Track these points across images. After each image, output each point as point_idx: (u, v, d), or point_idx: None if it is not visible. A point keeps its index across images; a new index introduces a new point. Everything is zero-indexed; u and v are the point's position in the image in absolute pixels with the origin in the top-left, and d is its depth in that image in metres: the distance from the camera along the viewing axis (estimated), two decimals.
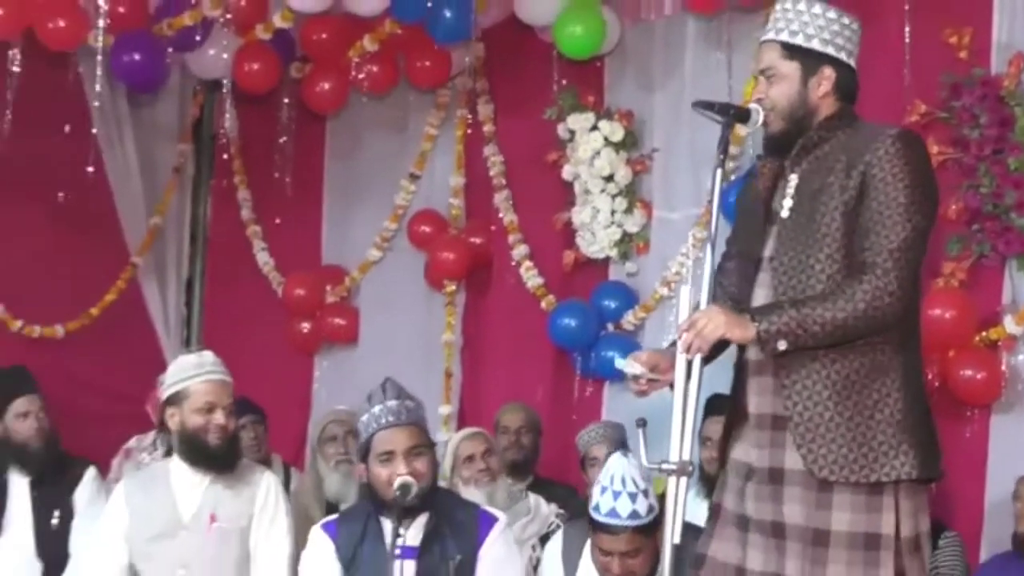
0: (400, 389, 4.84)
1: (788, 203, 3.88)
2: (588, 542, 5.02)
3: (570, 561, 5.09)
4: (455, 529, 4.77)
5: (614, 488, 4.79)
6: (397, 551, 4.47)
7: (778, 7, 3.97)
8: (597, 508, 4.82)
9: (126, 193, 8.29)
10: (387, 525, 4.69)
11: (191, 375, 5.13)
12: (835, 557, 3.76)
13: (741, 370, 3.91)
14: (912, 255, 3.79)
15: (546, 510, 5.79)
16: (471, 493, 5.67)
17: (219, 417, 5.04)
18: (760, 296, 3.87)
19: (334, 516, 5.17)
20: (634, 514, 4.73)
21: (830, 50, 3.91)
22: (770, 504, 3.83)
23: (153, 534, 5.04)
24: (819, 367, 3.78)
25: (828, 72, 3.91)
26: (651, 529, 4.71)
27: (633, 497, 4.75)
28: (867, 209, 3.78)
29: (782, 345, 3.73)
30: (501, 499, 5.67)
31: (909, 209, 3.76)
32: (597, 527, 4.83)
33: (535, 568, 5.33)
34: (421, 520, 4.72)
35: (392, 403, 4.77)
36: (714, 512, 3.92)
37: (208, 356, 5.33)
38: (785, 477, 3.81)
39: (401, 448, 4.68)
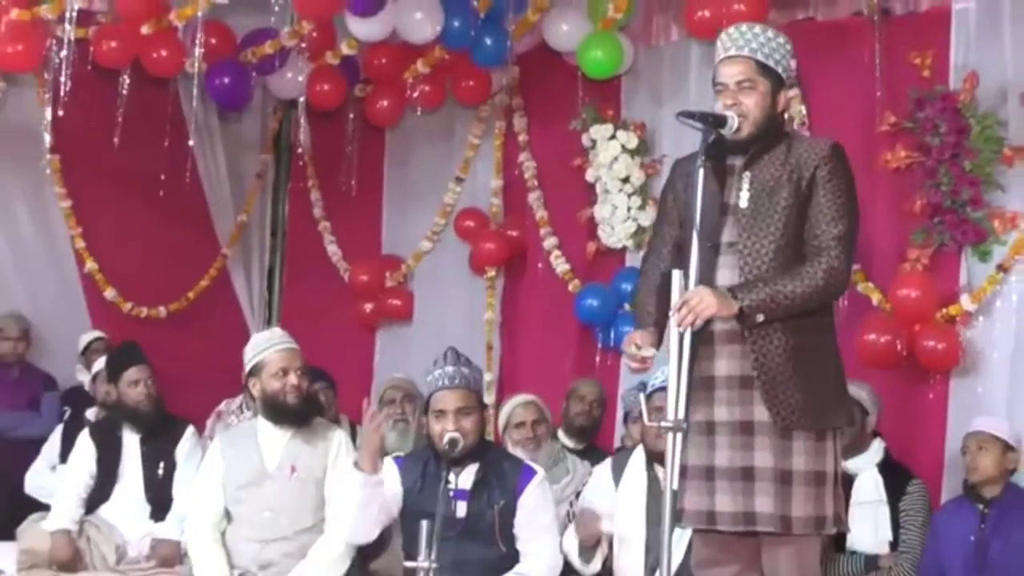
0: (459, 357, 4.89)
1: (745, 196, 3.92)
2: (631, 462, 5.13)
3: (617, 475, 5.16)
4: (500, 479, 4.81)
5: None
6: (451, 492, 4.56)
7: (745, 28, 3.99)
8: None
9: (217, 195, 8.37)
10: (443, 471, 4.69)
11: (264, 348, 5.18)
12: (796, 493, 3.84)
13: (705, 342, 3.88)
14: (852, 241, 3.93)
15: (582, 470, 5.76)
16: (515, 454, 5.63)
17: (292, 379, 5.08)
18: (724, 276, 3.89)
19: (401, 453, 5.24)
20: None
21: (784, 75, 4.00)
22: (740, 452, 3.87)
23: (243, 482, 5.10)
24: (779, 335, 3.85)
25: (787, 93, 4.06)
26: None
27: None
28: (815, 204, 3.90)
29: (759, 318, 3.81)
30: (543, 463, 5.58)
31: (847, 206, 3.91)
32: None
33: (571, 519, 5.32)
34: (472, 468, 4.76)
35: (449, 368, 4.83)
36: (681, 473, 3.85)
37: (277, 330, 5.43)
38: (755, 428, 3.87)
39: (451, 407, 4.74)
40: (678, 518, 3.93)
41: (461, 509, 4.68)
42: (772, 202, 3.89)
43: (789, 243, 3.89)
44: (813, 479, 3.86)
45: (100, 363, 6.85)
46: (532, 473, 4.92)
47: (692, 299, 3.72)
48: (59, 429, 6.82)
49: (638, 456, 5.16)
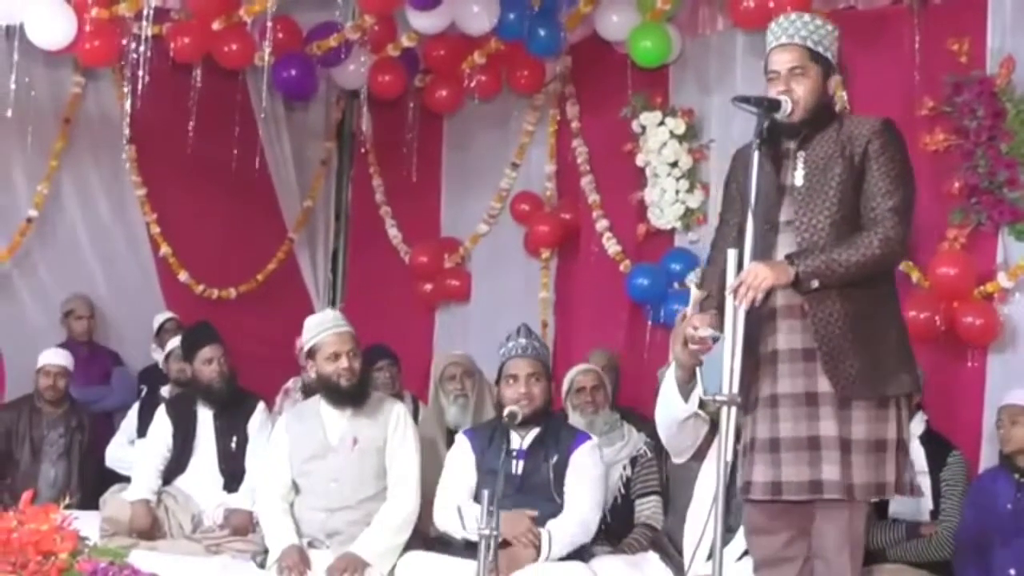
0: (531, 332, 5.19)
1: (800, 174, 3.95)
2: None
3: None
4: (557, 441, 5.03)
5: None
6: (514, 453, 4.84)
7: (794, 17, 4.03)
8: None
9: (284, 182, 8.46)
10: (510, 434, 4.99)
11: (318, 332, 5.26)
12: (856, 461, 3.86)
13: (767, 318, 3.92)
14: (909, 212, 3.93)
15: (636, 437, 5.78)
16: (575, 418, 5.77)
17: (344, 361, 5.15)
18: (782, 254, 3.91)
19: (471, 427, 5.50)
20: None
21: (834, 61, 4.03)
22: (806, 423, 3.90)
23: (308, 455, 5.21)
24: (837, 306, 3.87)
25: (836, 77, 4.07)
26: None
27: None
28: (870, 178, 3.91)
29: (814, 284, 3.83)
30: (600, 427, 5.73)
31: (901, 177, 3.92)
32: None
33: (625, 484, 5.40)
34: (534, 431, 4.99)
35: (523, 340, 5.10)
36: (750, 446, 3.94)
37: (330, 313, 5.50)
38: (819, 399, 3.90)
39: (523, 373, 4.99)
40: (746, 491, 3.99)
41: (519, 467, 4.92)
42: (826, 178, 3.92)
43: (844, 217, 3.91)
44: (874, 447, 3.89)
45: (173, 342, 6.97)
46: (586, 437, 5.15)
47: (748, 276, 3.76)
48: (136, 405, 6.95)
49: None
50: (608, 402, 6.03)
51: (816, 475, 3.88)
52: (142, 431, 6.61)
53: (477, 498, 4.85)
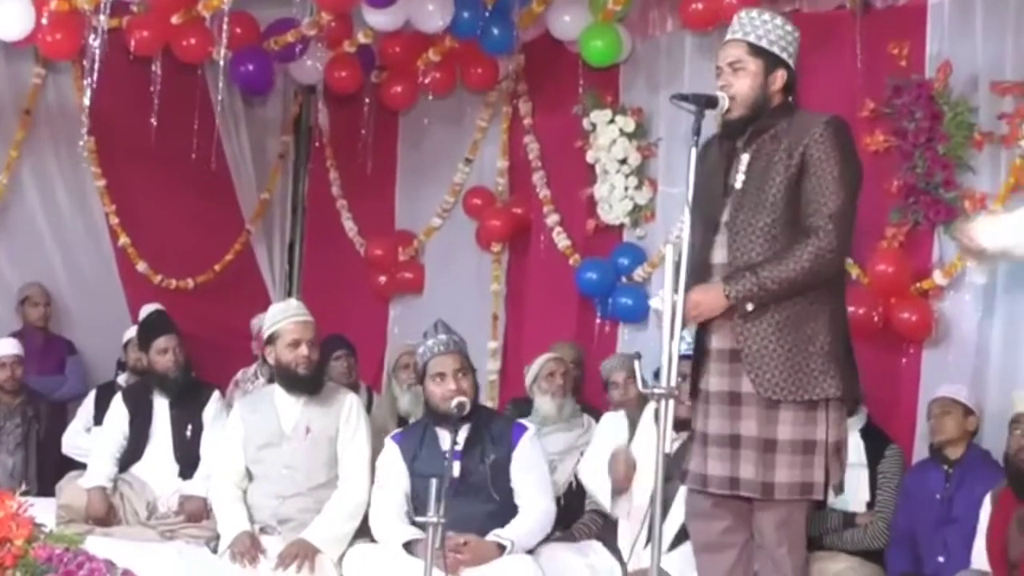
0: (447, 327, 5.07)
1: (741, 177, 3.94)
2: (644, 414, 5.15)
3: (632, 427, 5.20)
4: (493, 436, 4.95)
5: None
6: (448, 453, 4.67)
7: (743, 13, 4.04)
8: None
9: (241, 175, 8.40)
10: (440, 434, 4.88)
11: (280, 319, 5.27)
12: (781, 461, 3.88)
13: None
14: (847, 218, 3.88)
15: (595, 427, 5.76)
16: (545, 401, 5.79)
17: (304, 350, 5.16)
18: (718, 255, 3.94)
19: (400, 429, 5.38)
20: None
21: (784, 55, 4.00)
22: (728, 421, 3.92)
23: (262, 443, 5.22)
24: (766, 312, 3.86)
25: (782, 72, 4.00)
26: None
27: None
28: (808, 182, 3.86)
29: (749, 306, 3.84)
30: (566, 412, 5.77)
31: (840, 181, 3.85)
32: None
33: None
34: (465, 429, 4.88)
35: (442, 336, 5.01)
36: (691, 437, 4.01)
37: (293, 302, 5.51)
38: (742, 399, 3.91)
39: (450, 369, 4.90)
40: (682, 478, 4.05)
41: (456, 468, 4.76)
42: (765, 181, 3.89)
43: (778, 220, 3.88)
44: (800, 447, 3.88)
45: (131, 331, 6.95)
46: (524, 429, 5.06)
47: (689, 310, 3.79)
48: (92, 393, 6.90)
49: (649, 416, 5.19)
50: (572, 388, 6.06)
51: (735, 472, 3.92)
52: (99, 419, 6.59)
53: (414, 503, 4.84)
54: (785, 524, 4.00)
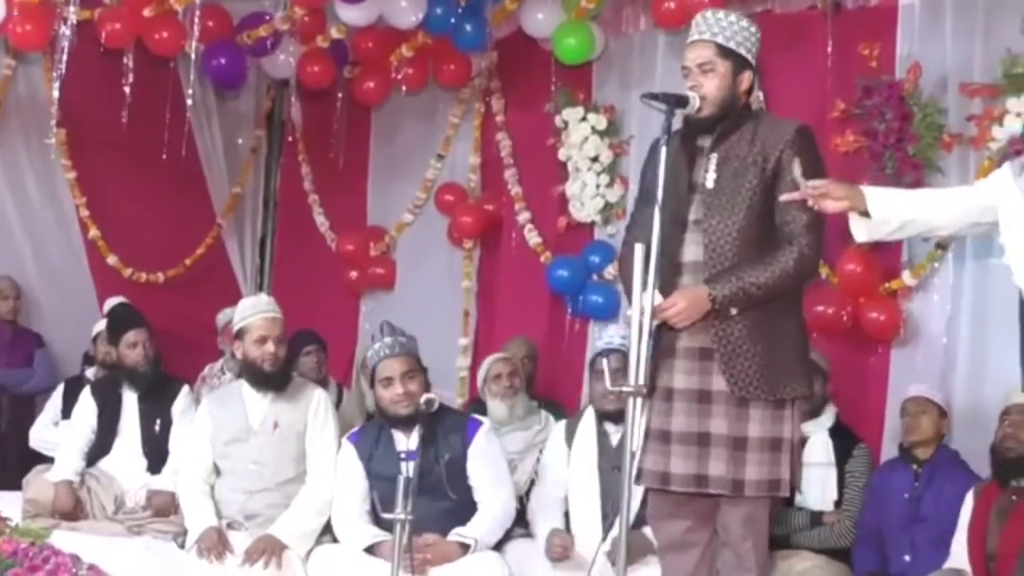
0: (394, 328, 5.01)
1: (712, 176, 3.94)
2: (582, 423, 5.17)
3: (570, 436, 5.20)
4: (447, 434, 4.90)
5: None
6: (403, 454, 4.66)
7: (708, 14, 4.04)
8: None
9: (213, 168, 8.34)
10: (394, 434, 4.86)
11: (249, 314, 5.24)
12: (751, 458, 3.90)
13: None
14: (821, 225, 3.94)
15: (552, 423, 5.75)
16: (496, 404, 5.75)
17: (270, 346, 5.13)
18: (690, 252, 3.95)
19: (356, 429, 5.31)
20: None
21: (749, 56, 4.01)
22: (697, 419, 3.92)
23: (229, 438, 5.18)
24: (739, 313, 3.88)
25: (748, 74, 4.03)
26: None
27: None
28: (783, 188, 3.88)
29: (733, 310, 3.85)
30: (519, 411, 5.73)
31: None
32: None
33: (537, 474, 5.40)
34: (417, 429, 4.84)
35: (388, 339, 4.94)
36: (646, 434, 3.94)
37: (263, 297, 5.47)
38: (712, 397, 3.92)
39: (397, 373, 4.85)
40: (637, 477, 3.97)
41: (409, 469, 4.69)
42: (737, 184, 3.90)
43: (752, 223, 3.90)
44: (768, 445, 3.91)
45: (100, 325, 6.90)
46: (478, 425, 5.04)
47: (671, 315, 3.81)
48: (61, 387, 6.85)
49: (589, 415, 5.22)
50: (524, 386, 6.02)
51: (703, 469, 3.92)
52: (67, 413, 6.55)
53: (373, 504, 4.84)
54: (751, 520, 4.02)
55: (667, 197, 3.80)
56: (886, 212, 3.72)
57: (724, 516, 4.04)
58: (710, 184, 3.95)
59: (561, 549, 4.86)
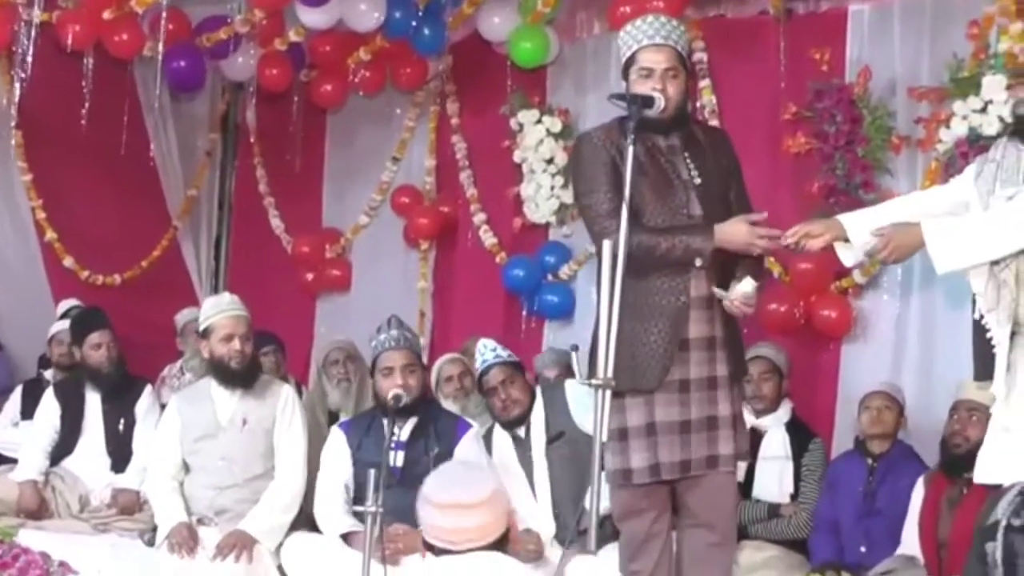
0: (401, 323, 5.04)
1: (696, 174, 4.06)
2: (494, 438, 5.27)
3: (488, 447, 5.21)
4: (438, 430, 4.92)
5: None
6: (392, 444, 4.66)
7: (664, 20, 4.11)
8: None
9: (168, 171, 8.28)
10: (386, 425, 4.83)
11: (213, 313, 5.22)
12: (740, 434, 4.14)
13: (682, 308, 4.01)
14: None
15: None
16: (449, 405, 5.74)
17: (236, 344, 5.11)
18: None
19: (347, 418, 5.37)
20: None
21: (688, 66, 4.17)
22: (707, 405, 4.05)
23: (199, 435, 5.16)
24: (718, 300, 4.03)
25: (694, 81, 4.26)
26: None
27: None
28: (737, 188, 4.17)
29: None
30: (472, 410, 5.73)
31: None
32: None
33: None
34: (411, 422, 4.87)
35: (394, 332, 4.95)
36: (647, 430, 4.02)
37: (226, 296, 5.41)
38: (717, 383, 4.06)
39: (398, 365, 4.86)
40: (656, 472, 4.04)
41: (399, 459, 4.77)
42: (717, 182, 4.09)
43: (727, 215, 4.06)
44: (742, 419, 4.20)
45: (56, 327, 6.86)
46: (468, 427, 5.06)
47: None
48: (19, 389, 6.79)
49: (497, 432, 5.28)
50: (474, 386, 5.93)
51: (714, 450, 4.05)
52: (26, 414, 6.50)
53: (356, 491, 4.85)
54: (735, 496, 4.30)
55: (659, 192, 3.97)
56: (865, 236, 3.82)
57: (713, 497, 4.12)
58: (698, 180, 4.07)
59: (535, 550, 4.87)
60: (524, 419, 5.20)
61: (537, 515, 5.08)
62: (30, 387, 6.76)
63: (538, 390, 5.32)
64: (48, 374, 6.89)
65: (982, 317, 3.75)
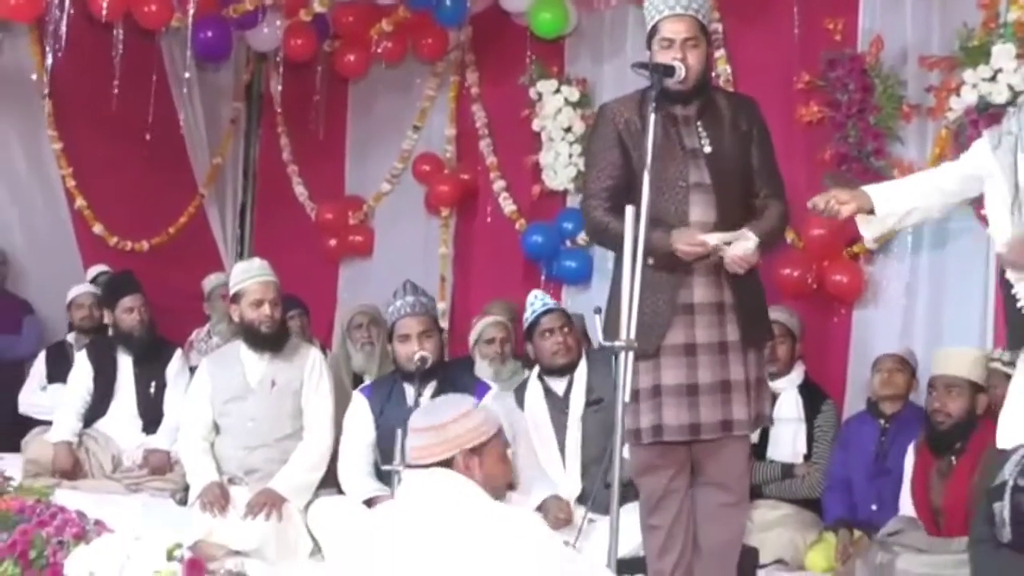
0: (416, 287, 5.05)
1: (707, 142, 4.06)
2: (529, 386, 5.30)
3: (520, 403, 5.27)
4: (457, 392, 4.96)
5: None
6: (415, 407, 4.66)
7: None
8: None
9: (195, 139, 8.35)
10: (407, 388, 4.87)
11: (244, 278, 5.25)
12: (762, 396, 4.16)
13: (686, 272, 4.02)
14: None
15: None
16: (484, 366, 5.80)
17: (266, 309, 5.16)
18: (696, 213, 4.02)
19: (369, 383, 5.37)
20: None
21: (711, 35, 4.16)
22: (719, 368, 4.05)
23: (229, 397, 5.21)
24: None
25: (711, 51, 4.26)
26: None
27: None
28: (759, 158, 4.13)
29: (761, 248, 4.02)
30: (506, 374, 5.77)
31: (775, 159, 4.21)
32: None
33: None
34: (431, 385, 4.89)
35: (410, 298, 4.96)
36: (652, 392, 4.04)
37: (256, 262, 5.44)
38: (729, 347, 4.06)
39: (415, 331, 4.89)
40: (658, 433, 4.05)
41: None
42: (729, 149, 4.07)
43: (745, 182, 4.10)
44: (763, 385, 4.18)
45: (74, 291, 6.96)
46: (487, 388, 5.07)
47: (744, 256, 3.95)
48: (43, 353, 6.87)
49: (532, 378, 5.31)
50: (512, 351, 6.05)
51: (727, 415, 4.05)
52: (52, 377, 6.57)
53: (380, 453, 4.90)
54: (744, 457, 4.25)
55: (658, 160, 3.88)
56: (888, 207, 3.83)
57: (725, 458, 4.15)
58: (708, 149, 4.06)
59: (563, 517, 4.89)
60: (567, 371, 5.21)
61: (563, 477, 5.11)
62: (54, 351, 6.86)
63: (583, 352, 5.33)
64: (70, 337, 6.96)
65: (1011, 287, 3.75)
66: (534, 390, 5.27)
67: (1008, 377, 4.79)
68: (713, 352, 4.05)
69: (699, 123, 4.09)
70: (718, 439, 4.09)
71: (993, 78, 5.40)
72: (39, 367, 6.81)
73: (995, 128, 3.87)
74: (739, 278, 4.04)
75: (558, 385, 5.22)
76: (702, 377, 4.05)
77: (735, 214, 4.05)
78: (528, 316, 5.28)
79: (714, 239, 3.95)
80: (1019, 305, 3.74)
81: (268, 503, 4.89)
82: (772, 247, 4.17)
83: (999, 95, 5.37)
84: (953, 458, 4.60)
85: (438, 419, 3.13)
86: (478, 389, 5.01)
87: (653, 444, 4.09)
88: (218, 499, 4.94)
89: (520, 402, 5.25)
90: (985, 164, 3.76)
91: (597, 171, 4.17)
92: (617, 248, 3.98)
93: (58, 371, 6.65)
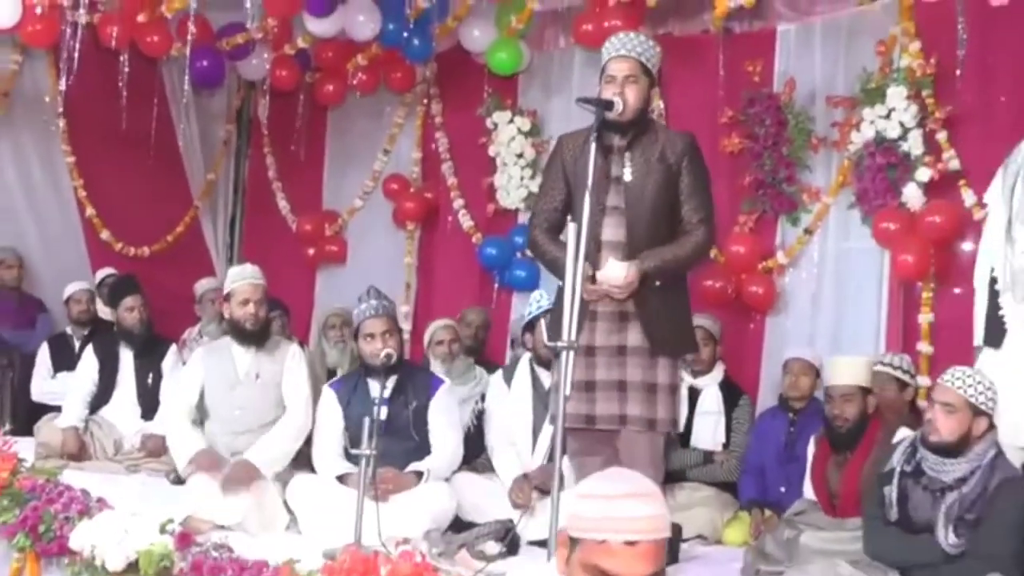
0: (379, 292, 5.02)
1: (628, 171, 4.04)
2: (519, 367, 5.22)
3: (508, 381, 5.23)
4: (415, 386, 4.93)
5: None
6: (376, 399, 4.60)
7: (632, 35, 4.14)
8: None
9: (191, 157, 8.28)
10: (370, 383, 4.88)
11: (235, 280, 5.20)
12: (660, 400, 4.08)
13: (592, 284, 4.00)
14: (714, 217, 4.16)
15: (485, 377, 5.74)
16: (436, 365, 5.77)
17: (251, 308, 5.09)
18: (608, 233, 4.04)
19: (337, 378, 5.34)
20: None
21: (654, 76, 4.13)
22: (616, 369, 4.05)
23: (219, 386, 5.14)
24: (654, 285, 4.02)
25: (655, 90, 4.19)
26: None
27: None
28: (685, 187, 4.07)
29: (658, 282, 3.98)
30: (457, 371, 5.74)
31: (707, 190, 4.13)
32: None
33: (477, 416, 5.39)
34: (392, 380, 4.85)
35: (373, 302, 4.94)
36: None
37: (249, 267, 5.38)
38: (628, 351, 4.05)
39: (379, 331, 4.86)
40: (565, 420, 4.03)
41: (383, 413, 4.68)
42: (649, 177, 4.02)
43: (661, 211, 4.04)
44: (670, 391, 4.07)
45: (72, 287, 6.91)
46: (440, 382, 5.07)
47: (624, 287, 3.92)
48: (45, 345, 6.78)
49: (524, 362, 5.26)
50: (463, 350, 6.01)
51: (623, 410, 4.05)
52: (56, 365, 6.53)
53: (348, 440, 4.88)
54: (653, 451, 4.15)
55: (594, 186, 3.85)
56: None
57: (630, 449, 4.12)
58: (627, 177, 4.05)
59: (526, 499, 4.82)
60: None
61: (530, 459, 5.06)
62: (56, 342, 6.79)
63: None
64: (69, 329, 6.88)
65: (999, 295, 3.79)
66: (523, 373, 5.19)
67: (895, 380, 4.91)
68: (612, 355, 4.05)
69: (628, 153, 4.07)
70: (619, 431, 4.09)
71: (888, 116, 5.47)
72: (43, 357, 6.73)
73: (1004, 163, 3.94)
74: (645, 293, 4.00)
75: (546, 379, 5.13)
76: (600, 375, 4.06)
77: (646, 236, 4.02)
78: (532, 311, 5.22)
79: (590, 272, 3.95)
80: (1000, 313, 3.79)
81: (244, 477, 4.80)
82: (673, 272, 4.05)
83: (893, 130, 5.46)
84: (848, 454, 4.59)
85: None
86: (433, 382, 5.04)
87: (573, 430, 4.08)
88: (214, 463, 4.86)
89: (508, 380, 5.21)
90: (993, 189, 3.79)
91: (542, 195, 4.31)
92: (546, 264, 4.18)
93: (61, 359, 6.61)
